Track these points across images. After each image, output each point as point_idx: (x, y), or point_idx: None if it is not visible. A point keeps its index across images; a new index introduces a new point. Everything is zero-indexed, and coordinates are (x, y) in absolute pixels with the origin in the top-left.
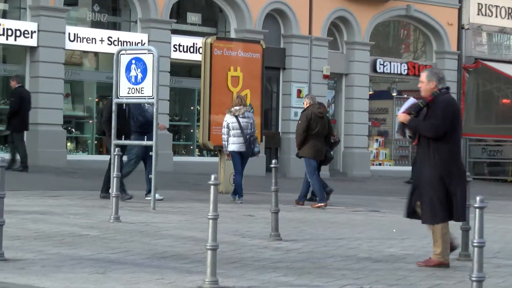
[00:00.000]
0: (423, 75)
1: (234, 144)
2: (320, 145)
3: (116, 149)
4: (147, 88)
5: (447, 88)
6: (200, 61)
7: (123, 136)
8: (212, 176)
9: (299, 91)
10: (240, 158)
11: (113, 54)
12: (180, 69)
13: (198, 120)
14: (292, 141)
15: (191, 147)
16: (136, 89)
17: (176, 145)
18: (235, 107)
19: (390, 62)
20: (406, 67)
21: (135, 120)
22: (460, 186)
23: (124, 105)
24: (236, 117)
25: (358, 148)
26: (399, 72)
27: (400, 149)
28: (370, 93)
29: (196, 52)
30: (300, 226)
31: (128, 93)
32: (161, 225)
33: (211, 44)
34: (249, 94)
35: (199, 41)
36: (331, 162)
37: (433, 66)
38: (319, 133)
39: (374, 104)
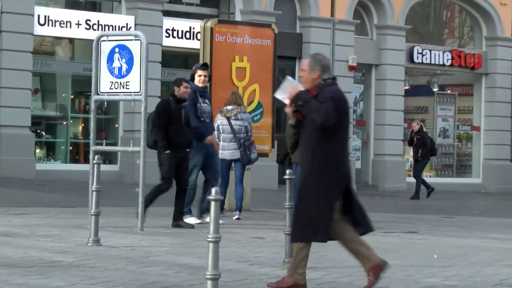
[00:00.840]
0: (305, 63)
1: (224, 150)
2: None
3: (96, 157)
4: (134, 82)
5: (334, 79)
6: (198, 49)
7: (186, 147)
8: (213, 190)
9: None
10: (228, 166)
11: (92, 40)
12: (174, 59)
13: None
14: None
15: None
16: (120, 83)
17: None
18: (227, 107)
19: (430, 51)
20: (449, 57)
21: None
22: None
23: (180, 109)
24: (228, 118)
25: (391, 156)
26: (441, 62)
27: (443, 157)
28: (406, 88)
29: (193, 39)
30: (320, 251)
31: (110, 88)
32: (151, 249)
33: (211, 28)
34: (258, 90)
35: (197, 25)
36: None
37: (482, 55)
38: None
39: (411, 102)
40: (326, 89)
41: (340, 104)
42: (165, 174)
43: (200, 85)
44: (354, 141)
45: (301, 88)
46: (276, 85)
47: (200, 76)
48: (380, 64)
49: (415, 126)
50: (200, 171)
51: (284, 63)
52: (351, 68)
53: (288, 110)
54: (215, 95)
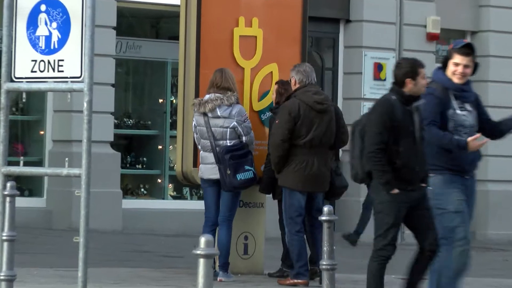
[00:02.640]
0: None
1: (203, 165)
2: (316, 164)
3: (9, 185)
4: (71, 61)
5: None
6: (177, 6)
7: (421, 181)
8: (202, 239)
9: (379, 67)
10: (214, 191)
11: None
12: (138, 23)
13: (173, 126)
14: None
15: (159, 181)
16: (49, 63)
17: (128, 176)
18: (206, 96)
19: None
20: None
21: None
22: None
23: (411, 114)
24: (205, 115)
25: (500, 183)
26: None
27: None
28: None
29: None
30: None
31: (32, 71)
32: None
33: None
34: (276, 73)
35: None
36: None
37: None
38: (315, 143)
39: None
40: None
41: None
42: (388, 230)
43: (457, 80)
44: None
45: None
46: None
47: (457, 65)
48: (480, 30)
49: None
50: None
51: (321, 29)
52: (431, 37)
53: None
54: (205, 82)
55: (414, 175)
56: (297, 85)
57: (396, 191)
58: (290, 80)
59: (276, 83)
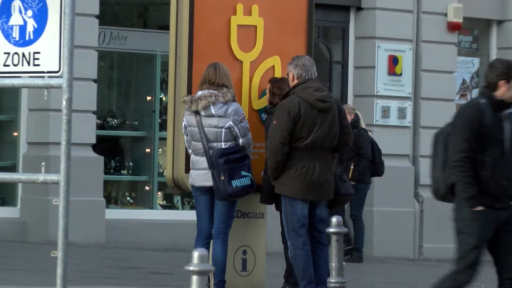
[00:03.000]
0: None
1: (194, 170)
2: (318, 169)
3: None
4: (47, 53)
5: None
6: None
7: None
8: (195, 254)
9: (394, 60)
10: (207, 200)
11: None
12: (123, 12)
13: (163, 127)
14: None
15: (147, 188)
16: (23, 55)
17: (112, 183)
18: (198, 92)
19: None
20: None
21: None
22: None
23: (501, 122)
24: (196, 114)
25: None
26: None
27: None
28: None
29: None
30: None
31: (4, 64)
32: None
33: None
34: (279, 67)
35: None
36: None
37: None
38: (317, 145)
39: None
40: None
41: None
42: (469, 252)
43: None
44: None
45: None
46: (312, 57)
47: None
48: (506, 20)
49: None
50: None
51: (329, 17)
52: (453, 27)
53: None
54: (198, 77)
55: (501, 190)
56: (296, 81)
57: (480, 208)
58: (288, 75)
59: (269, 81)
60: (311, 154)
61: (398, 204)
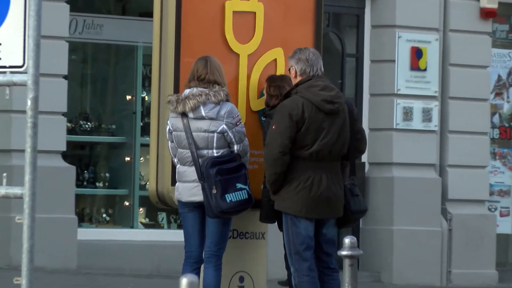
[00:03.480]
0: None
1: (181, 183)
2: (325, 182)
3: None
4: (9, 45)
5: None
6: None
7: None
8: (183, 281)
9: (417, 53)
10: (199, 221)
11: None
12: None
13: (145, 131)
14: (399, 182)
15: (127, 204)
16: None
17: (85, 197)
18: (185, 91)
19: None
20: None
21: None
22: None
23: None
24: (184, 116)
25: None
26: None
27: None
28: None
29: None
30: None
31: None
32: None
33: None
34: (282, 58)
35: None
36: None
37: None
38: (324, 154)
39: None
40: None
41: None
42: None
43: None
44: (495, 174)
45: None
46: (322, 49)
47: None
48: None
49: None
50: None
51: (341, 3)
52: (486, 13)
53: None
54: (187, 73)
55: None
56: (299, 78)
57: None
58: (289, 70)
59: (266, 80)
60: (316, 164)
61: (422, 223)
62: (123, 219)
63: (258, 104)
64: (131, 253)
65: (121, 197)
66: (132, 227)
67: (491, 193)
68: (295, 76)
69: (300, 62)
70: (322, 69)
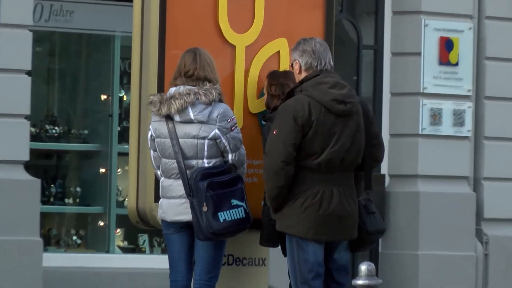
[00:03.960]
0: None
1: (166, 199)
2: (336, 197)
3: None
4: None
5: None
6: None
7: None
8: None
9: (447, 44)
10: (187, 244)
11: None
12: None
13: (123, 138)
14: (425, 198)
15: (101, 224)
16: None
17: (52, 216)
18: (171, 89)
19: None
20: None
21: None
22: None
23: None
24: (169, 120)
25: None
26: None
27: None
28: None
29: None
30: None
31: None
32: None
33: None
34: (287, 51)
35: None
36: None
37: None
38: (334, 164)
39: None
40: None
41: None
42: None
43: None
44: None
45: None
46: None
47: None
48: None
49: None
50: None
51: None
52: None
53: None
54: (173, 68)
55: None
56: (304, 74)
57: None
58: (292, 66)
59: (266, 77)
60: (326, 177)
61: (453, 246)
62: (97, 242)
63: (258, 106)
64: (106, 282)
65: (94, 215)
66: (107, 251)
67: None
68: (300, 72)
69: (305, 54)
70: (332, 63)
